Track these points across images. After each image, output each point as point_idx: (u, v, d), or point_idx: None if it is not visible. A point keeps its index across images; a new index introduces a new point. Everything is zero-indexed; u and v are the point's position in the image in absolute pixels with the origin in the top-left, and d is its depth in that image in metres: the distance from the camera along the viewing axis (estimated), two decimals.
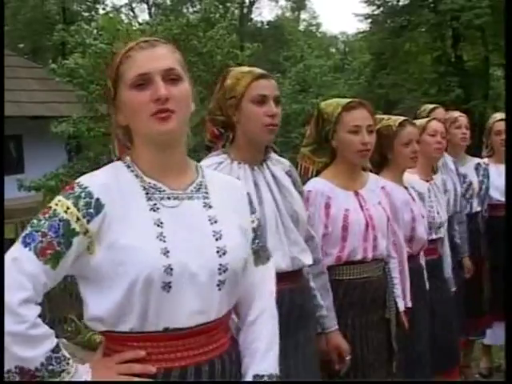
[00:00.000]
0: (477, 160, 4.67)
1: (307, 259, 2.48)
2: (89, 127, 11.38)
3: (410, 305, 3.09)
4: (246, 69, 2.46)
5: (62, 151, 15.78)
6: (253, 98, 2.34)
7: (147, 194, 1.61)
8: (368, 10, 24.11)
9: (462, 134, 4.37)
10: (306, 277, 2.57)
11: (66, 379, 1.51)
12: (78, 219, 1.52)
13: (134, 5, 33.07)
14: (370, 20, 24.35)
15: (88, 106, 11.79)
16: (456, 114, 4.48)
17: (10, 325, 1.45)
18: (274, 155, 2.53)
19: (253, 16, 35.01)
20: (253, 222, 1.79)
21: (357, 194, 2.86)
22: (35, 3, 25.23)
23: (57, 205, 1.54)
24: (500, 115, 4.66)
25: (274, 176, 2.45)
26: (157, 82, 1.57)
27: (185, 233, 1.59)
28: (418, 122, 3.56)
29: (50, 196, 11.73)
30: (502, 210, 4.25)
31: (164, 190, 1.63)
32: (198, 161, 1.92)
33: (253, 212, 1.81)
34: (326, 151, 2.88)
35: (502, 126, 4.50)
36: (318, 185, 2.79)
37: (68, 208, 1.52)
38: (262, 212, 2.31)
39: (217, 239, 1.62)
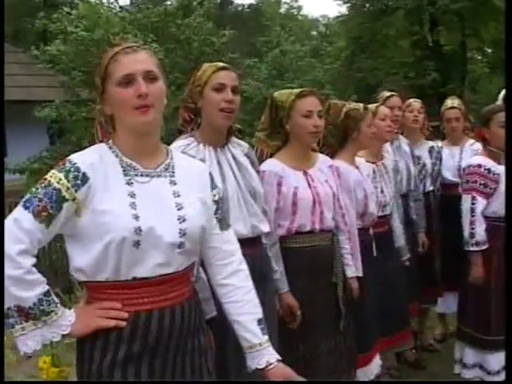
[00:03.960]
0: (431, 143, 5.05)
1: (265, 227, 2.88)
2: (71, 112, 11.60)
3: (360, 274, 3.48)
4: (213, 63, 2.86)
5: (43, 135, 15.90)
6: (213, 86, 2.74)
7: (124, 171, 2.00)
8: None
9: (413, 117, 4.80)
10: (264, 245, 2.96)
11: (54, 319, 1.91)
12: (67, 189, 1.90)
13: None
14: (348, 4, 24.54)
15: (70, 91, 12.02)
16: (411, 100, 4.90)
17: (9, 270, 1.84)
18: (235, 139, 2.92)
19: None
20: (214, 195, 2.18)
21: (305, 173, 3.25)
22: None
23: (51, 177, 1.93)
24: (451, 102, 5.06)
25: (234, 157, 2.85)
26: (139, 81, 1.96)
27: (153, 203, 1.98)
28: (369, 107, 3.93)
29: (35, 178, 11.94)
30: (454, 189, 4.64)
31: (138, 169, 2.02)
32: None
33: (214, 188, 2.22)
34: (279, 135, 3.27)
35: (450, 114, 4.98)
36: (270, 166, 3.19)
37: (60, 179, 1.91)
38: (225, 188, 2.70)
39: (178, 209, 2.03)
